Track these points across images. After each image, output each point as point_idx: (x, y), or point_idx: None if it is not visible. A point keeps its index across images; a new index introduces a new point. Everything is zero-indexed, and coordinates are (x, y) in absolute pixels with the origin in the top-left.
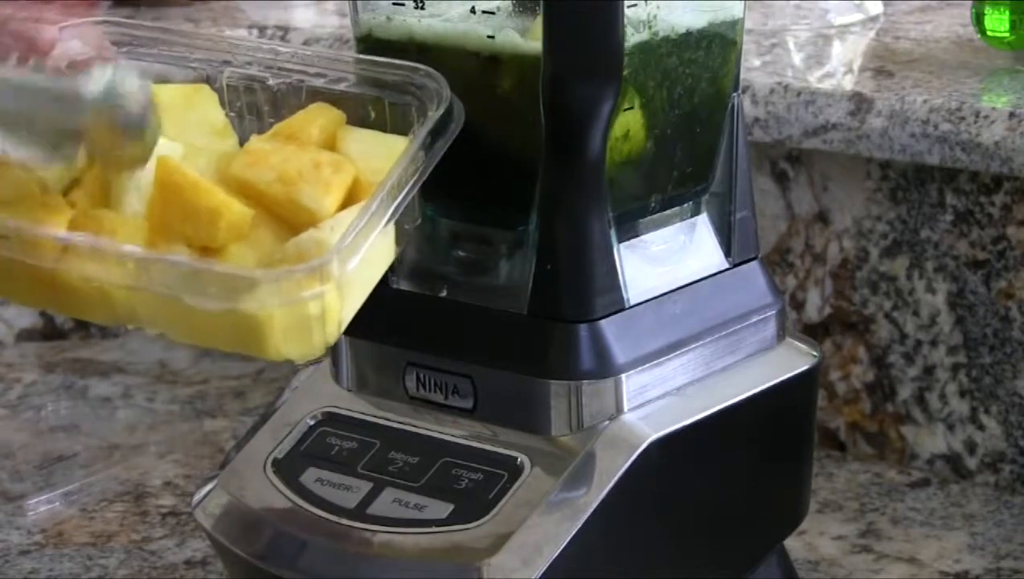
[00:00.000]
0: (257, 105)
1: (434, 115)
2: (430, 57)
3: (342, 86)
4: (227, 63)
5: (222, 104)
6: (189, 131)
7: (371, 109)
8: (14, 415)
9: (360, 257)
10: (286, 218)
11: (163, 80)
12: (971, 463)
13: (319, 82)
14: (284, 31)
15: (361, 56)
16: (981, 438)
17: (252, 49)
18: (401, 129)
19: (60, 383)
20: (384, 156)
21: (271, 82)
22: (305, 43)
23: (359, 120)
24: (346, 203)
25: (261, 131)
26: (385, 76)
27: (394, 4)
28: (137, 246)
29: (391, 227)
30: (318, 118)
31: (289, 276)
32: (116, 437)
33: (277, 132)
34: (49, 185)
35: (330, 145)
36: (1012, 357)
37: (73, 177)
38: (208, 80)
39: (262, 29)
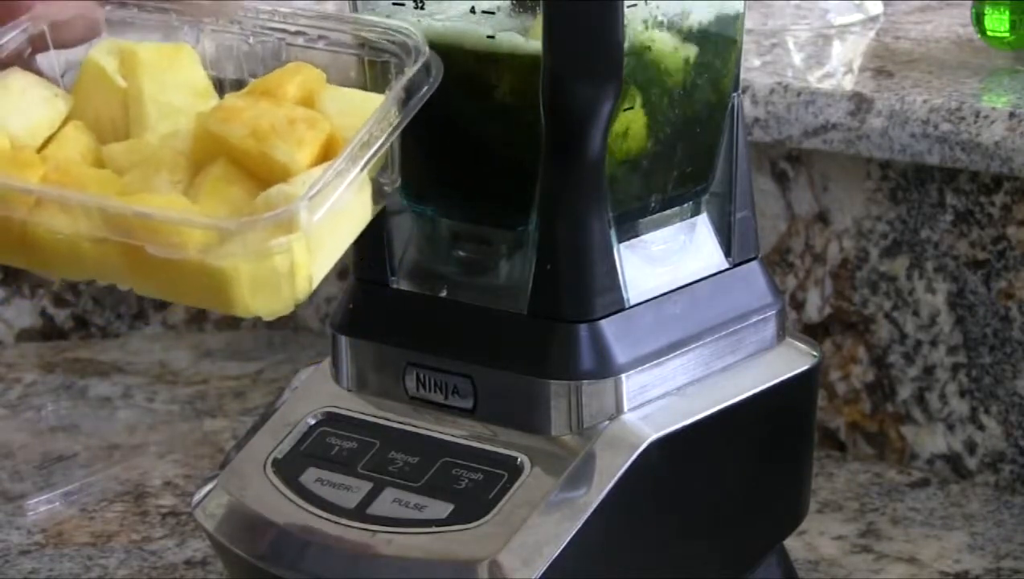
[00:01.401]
0: (239, 65)
1: (410, 70)
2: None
3: (321, 44)
4: (208, 24)
5: (204, 65)
6: (170, 91)
7: (349, 67)
8: (14, 415)
9: (328, 209)
10: (260, 174)
11: (147, 40)
12: (971, 463)
13: (299, 41)
14: None
15: (340, 15)
16: (981, 438)
17: (233, 9)
18: (381, 87)
19: (60, 383)
20: (360, 113)
21: (251, 41)
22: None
23: (340, 79)
24: (321, 159)
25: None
26: (364, 34)
27: (394, 4)
28: (104, 196)
29: (366, 186)
30: (296, 75)
31: (253, 225)
32: (116, 437)
33: (253, 88)
34: (22, 141)
35: (308, 103)
36: (1012, 357)
37: (47, 135)
38: (190, 39)
39: None
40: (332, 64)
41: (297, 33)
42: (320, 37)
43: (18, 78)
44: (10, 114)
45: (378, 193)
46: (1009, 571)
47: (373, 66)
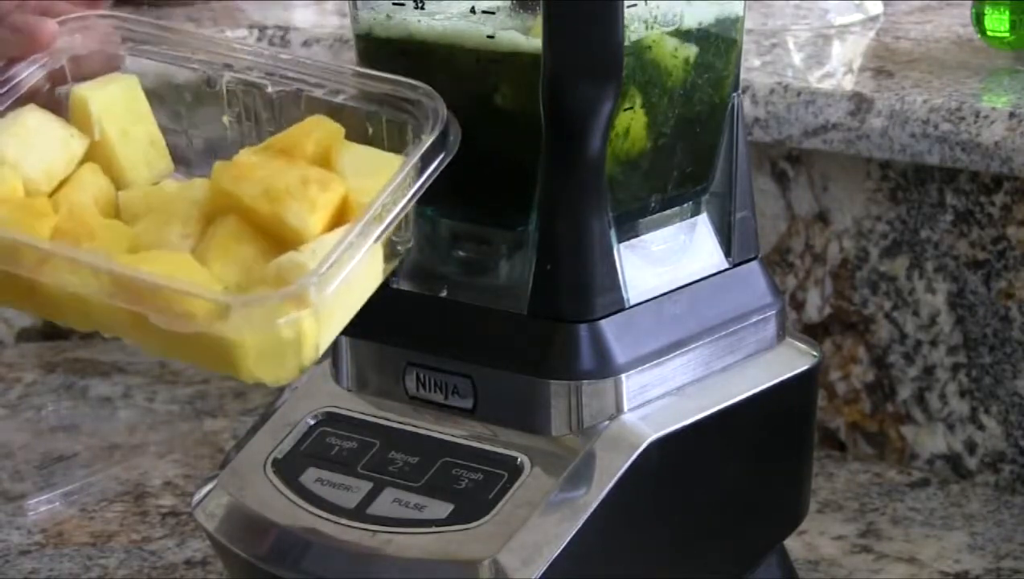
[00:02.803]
0: (255, 111)
1: (428, 137)
2: (429, 55)
3: (340, 98)
4: (228, 67)
5: (221, 107)
6: (129, 128)
7: (368, 124)
8: (14, 415)
9: (340, 282)
10: (271, 234)
11: (165, 79)
12: (971, 463)
13: (318, 92)
14: (284, 31)
15: (361, 69)
16: (981, 438)
17: (254, 54)
18: (398, 146)
19: (60, 383)
20: (377, 175)
21: (270, 89)
22: (305, 43)
23: (357, 134)
24: (334, 221)
25: (260, 136)
26: (383, 91)
27: (394, 4)
28: (112, 261)
29: (378, 250)
30: (314, 131)
31: (262, 302)
32: (116, 437)
33: (270, 145)
34: (36, 186)
35: (325, 159)
36: (1012, 357)
37: (62, 177)
38: (208, 82)
39: (262, 29)
40: (351, 119)
41: (317, 85)
42: (339, 91)
43: (36, 116)
44: (27, 153)
45: (391, 253)
46: (1009, 571)
47: (391, 124)
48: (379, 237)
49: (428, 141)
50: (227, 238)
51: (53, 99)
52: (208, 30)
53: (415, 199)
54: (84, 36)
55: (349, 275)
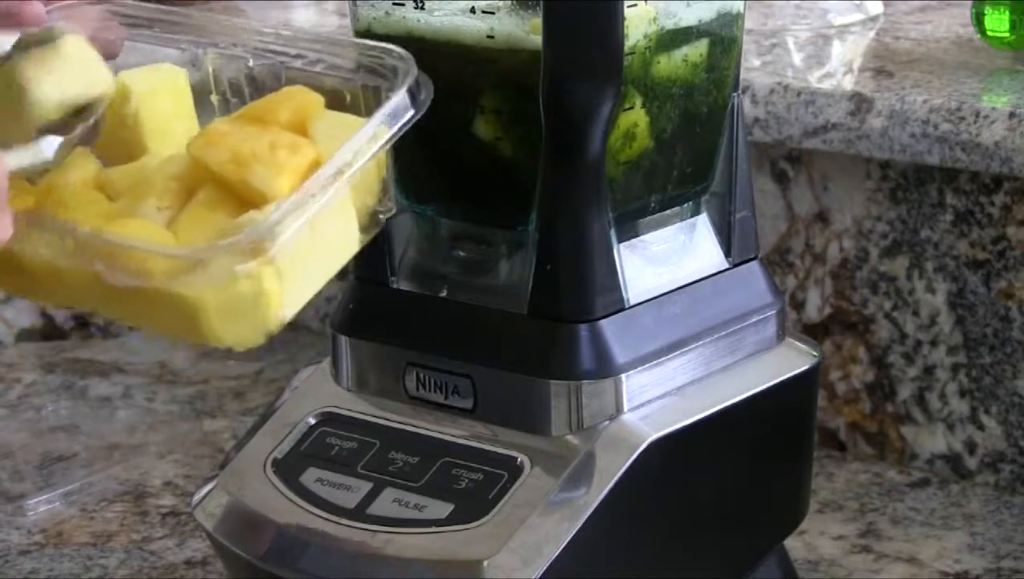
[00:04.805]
0: (240, 87)
1: (394, 96)
2: (429, 53)
3: (319, 68)
4: (214, 45)
5: (208, 86)
6: (164, 118)
7: (345, 92)
8: (14, 415)
9: (301, 235)
10: (243, 201)
11: (153, 61)
12: (971, 463)
13: (297, 63)
14: None
15: (338, 37)
16: (981, 438)
17: (237, 30)
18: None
19: (60, 383)
20: (347, 138)
21: (251, 63)
22: None
23: (336, 102)
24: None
25: None
26: (359, 58)
27: (394, 4)
28: (76, 222)
29: (350, 211)
30: (290, 100)
31: (216, 252)
32: (116, 437)
33: (243, 113)
34: (46, 113)
35: (301, 128)
36: (1012, 357)
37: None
38: (194, 61)
39: None
40: (330, 88)
41: (297, 56)
42: (318, 60)
43: (74, 42)
44: (70, 82)
45: (372, 221)
46: (1009, 571)
47: (366, 90)
48: (338, 188)
49: (395, 99)
50: (200, 206)
51: None
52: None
53: (380, 153)
54: (76, 23)
55: (315, 233)
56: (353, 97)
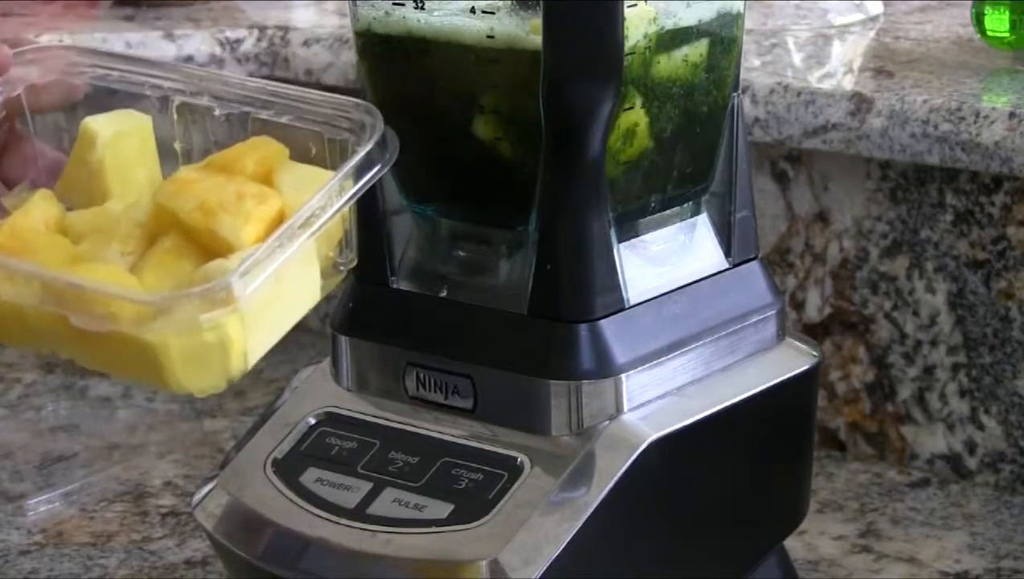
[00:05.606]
0: (205, 134)
1: (361, 150)
2: (428, 53)
3: (285, 119)
4: (179, 92)
5: (174, 133)
6: (129, 165)
7: (311, 144)
8: (14, 415)
9: (267, 284)
10: (209, 249)
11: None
12: (971, 463)
13: (264, 114)
14: (284, 31)
15: (303, 90)
16: (981, 438)
17: (203, 78)
18: (340, 164)
19: (60, 383)
20: (314, 190)
21: (217, 112)
22: (305, 43)
23: (301, 154)
24: (269, 235)
25: None
26: (324, 111)
27: (394, 4)
28: (42, 265)
29: (314, 262)
30: (255, 150)
31: (182, 300)
32: (116, 437)
33: (211, 162)
34: None
35: (266, 179)
36: (1012, 357)
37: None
38: (161, 107)
39: (262, 29)
40: (296, 140)
41: (263, 107)
42: (285, 112)
43: None
44: None
45: (332, 271)
46: (1009, 571)
47: (332, 143)
48: (306, 240)
49: (362, 152)
50: (164, 253)
51: (13, 131)
52: (208, 30)
53: (346, 207)
54: (42, 66)
55: (280, 283)
56: (319, 149)
